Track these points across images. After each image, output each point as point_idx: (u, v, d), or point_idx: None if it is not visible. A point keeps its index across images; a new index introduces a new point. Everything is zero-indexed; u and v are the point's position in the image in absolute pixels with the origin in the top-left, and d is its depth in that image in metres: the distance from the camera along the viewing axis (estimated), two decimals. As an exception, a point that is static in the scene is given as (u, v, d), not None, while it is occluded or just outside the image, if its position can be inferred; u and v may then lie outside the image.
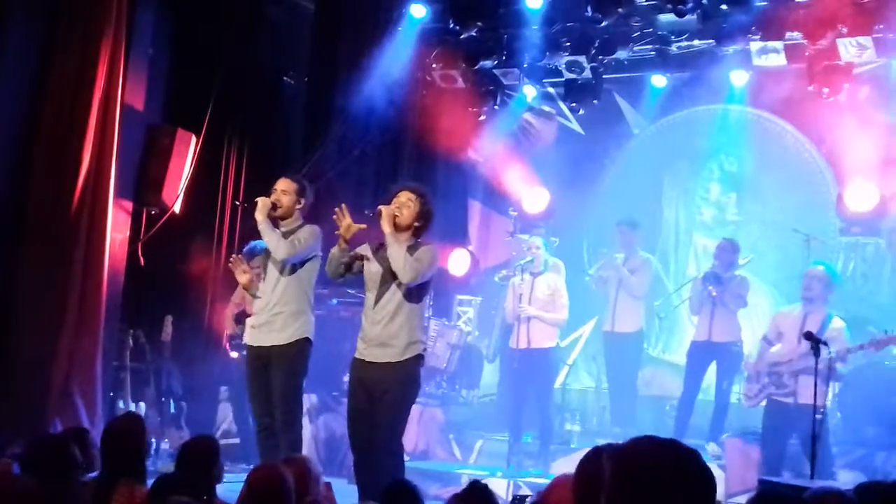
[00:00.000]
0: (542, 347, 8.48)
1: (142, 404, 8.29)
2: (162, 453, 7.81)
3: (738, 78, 9.70)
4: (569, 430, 9.26)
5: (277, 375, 6.10)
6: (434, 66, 10.50)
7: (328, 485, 4.25)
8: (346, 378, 6.46)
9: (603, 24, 9.43)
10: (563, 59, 9.90)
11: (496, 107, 10.49)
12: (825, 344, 6.27)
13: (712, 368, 8.60)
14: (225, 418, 8.96)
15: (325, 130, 10.10)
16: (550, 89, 10.64)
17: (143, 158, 8.85)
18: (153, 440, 7.43)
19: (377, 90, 9.77)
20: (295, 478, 3.85)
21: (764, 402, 7.51)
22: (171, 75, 9.15)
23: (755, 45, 9.14)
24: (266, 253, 6.27)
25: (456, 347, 9.70)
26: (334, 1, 10.46)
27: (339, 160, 10.05)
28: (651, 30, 9.58)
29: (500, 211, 11.07)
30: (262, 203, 6.09)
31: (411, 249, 5.69)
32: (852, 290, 9.32)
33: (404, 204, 5.74)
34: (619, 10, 9.27)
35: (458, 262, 10.45)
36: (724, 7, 9.01)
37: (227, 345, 8.61)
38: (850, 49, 8.66)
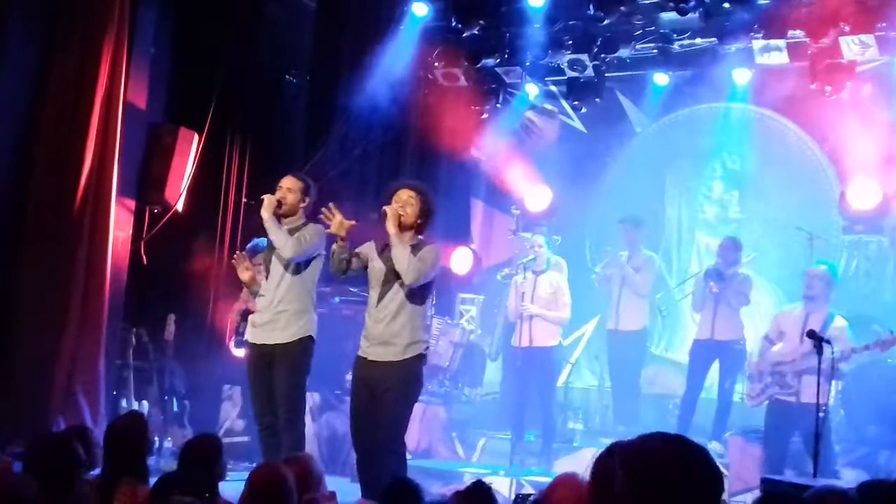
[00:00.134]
0: (545, 346, 8.48)
1: (145, 403, 8.30)
2: (165, 452, 7.80)
3: (741, 76, 9.69)
4: (572, 429, 9.27)
5: (281, 374, 6.10)
6: (436, 64, 10.50)
7: (333, 494, 4.24)
8: (349, 376, 6.46)
9: (605, 22, 9.42)
10: (565, 58, 9.89)
11: (498, 105, 10.50)
12: (828, 342, 6.26)
13: (715, 367, 8.59)
14: (228, 417, 8.96)
15: (328, 129, 10.10)
16: (553, 87, 10.64)
17: (146, 157, 8.85)
18: (156, 439, 7.43)
19: (379, 89, 9.76)
20: (296, 477, 3.84)
21: (766, 402, 7.50)
22: (173, 74, 9.16)
23: (757, 44, 9.12)
24: (268, 251, 6.27)
25: (458, 346, 9.70)
26: (336, -1, 10.47)
27: (341, 159, 10.05)
28: (653, 28, 9.57)
29: (503, 209, 11.07)
30: (268, 201, 6.09)
31: (414, 248, 5.70)
32: (855, 288, 9.33)
33: (406, 202, 5.74)
34: (622, 8, 9.26)
35: (460, 260, 10.45)
36: (726, 5, 9.01)
37: (231, 342, 8.61)
38: (853, 47, 8.65)
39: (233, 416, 8.90)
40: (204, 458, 4.31)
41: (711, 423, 8.45)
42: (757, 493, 6.11)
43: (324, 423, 8.87)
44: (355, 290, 8.78)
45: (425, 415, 8.83)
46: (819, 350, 6.15)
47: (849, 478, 6.72)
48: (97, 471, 4.50)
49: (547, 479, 7.39)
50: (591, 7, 9.37)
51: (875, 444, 7.65)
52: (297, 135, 10.41)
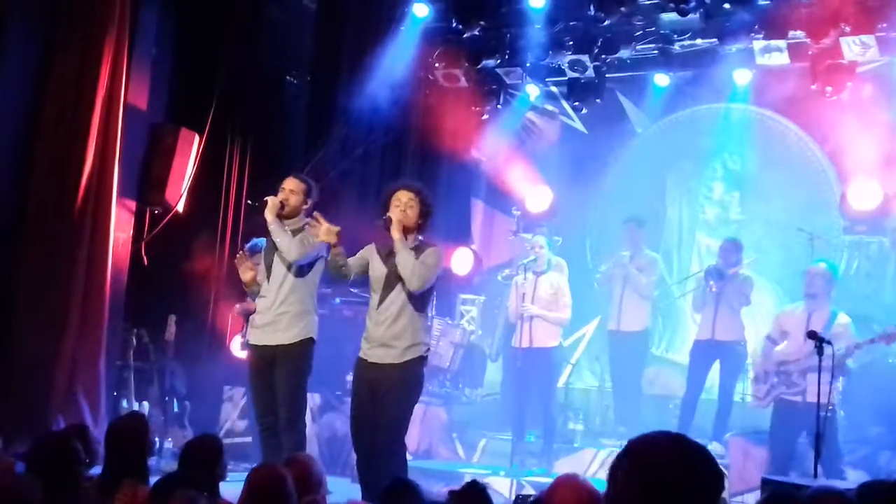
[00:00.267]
0: (545, 347, 8.47)
1: (145, 403, 8.31)
2: (165, 452, 7.81)
3: (741, 77, 9.69)
4: (572, 430, 9.27)
5: (282, 375, 6.10)
6: (437, 65, 10.50)
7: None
8: (350, 377, 6.47)
9: (606, 23, 9.43)
10: (566, 58, 9.90)
11: (499, 106, 10.50)
12: (829, 343, 6.25)
13: (716, 367, 8.59)
14: (228, 417, 8.97)
15: (328, 130, 10.11)
16: (553, 88, 10.64)
17: (147, 158, 8.87)
18: (157, 439, 7.43)
19: (380, 90, 9.77)
20: (297, 478, 3.84)
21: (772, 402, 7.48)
22: (174, 75, 9.17)
23: (758, 44, 9.12)
24: (269, 252, 6.25)
25: (459, 346, 9.70)
26: (337, 0, 10.46)
27: (341, 159, 10.06)
28: (654, 29, 9.58)
29: (504, 210, 11.07)
30: (272, 202, 6.09)
31: (415, 250, 5.70)
32: (856, 288, 9.31)
33: (406, 204, 5.73)
34: (622, 9, 9.27)
35: (461, 261, 10.45)
36: (726, 6, 9.01)
37: (239, 343, 8.61)
38: (854, 48, 8.65)
39: (233, 417, 8.91)
40: (204, 458, 4.32)
41: (712, 424, 8.44)
42: (757, 494, 6.11)
43: (324, 423, 8.87)
44: (356, 291, 8.78)
45: (426, 416, 8.83)
46: (820, 351, 6.14)
47: (850, 478, 6.72)
48: (96, 469, 4.51)
49: (547, 480, 7.40)
50: (592, 8, 9.38)
51: (876, 445, 7.64)
52: (298, 136, 10.42)
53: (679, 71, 9.94)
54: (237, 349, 8.99)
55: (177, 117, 9.10)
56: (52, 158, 7.91)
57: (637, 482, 2.12)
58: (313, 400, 8.50)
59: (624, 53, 9.85)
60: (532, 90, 10.54)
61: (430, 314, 7.03)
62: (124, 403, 8.19)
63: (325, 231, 5.72)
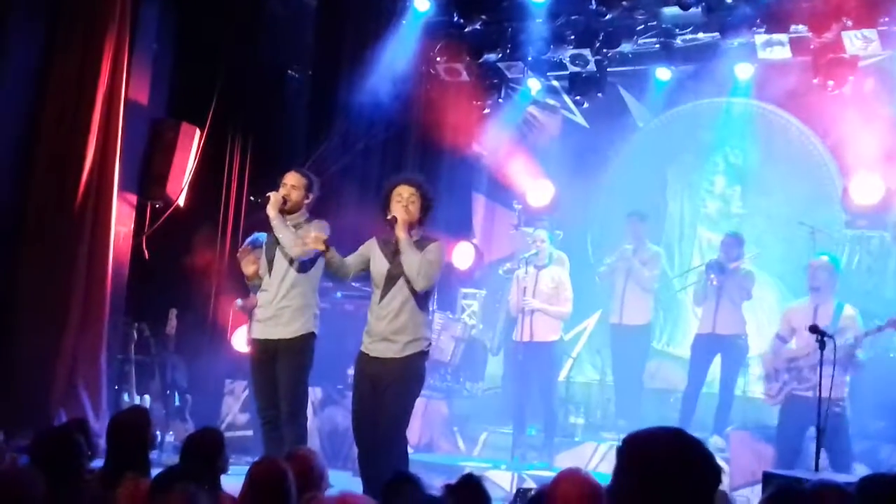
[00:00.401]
0: (546, 341, 8.47)
1: (146, 397, 8.32)
2: (167, 446, 7.82)
3: (743, 71, 9.68)
4: (573, 423, 9.28)
5: (283, 369, 6.12)
6: (438, 59, 10.49)
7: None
8: (351, 371, 6.47)
9: (607, 17, 9.43)
10: (567, 53, 9.90)
11: (500, 100, 10.50)
12: (831, 336, 6.25)
13: (717, 361, 8.59)
14: (230, 411, 8.99)
15: (329, 124, 10.11)
16: (555, 82, 10.63)
17: (147, 152, 8.89)
18: (158, 433, 7.45)
19: (381, 84, 9.77)
20: (297, 472, 3.85)
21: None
22: (174, 70, 9.18)
23: (760, 38, 9.11)
24: (270, 247, 6.26)
25: (460, 340, 9.71)
26: (338, -5, 10.48)
27: (343, 154, 10.07)
28: (655, 23, 9.57)
29: (505, 204, 11.08)
30: (274, 198, 6.09)
31: (418, 244, 5.69)
32: (857, 283, 9.31)
33: (409, 200, 5.71)
34: (624, 2, 9.27)
35: (462, 255, 10.45)
36: (728, 0, 8.99)
37: (244, 338, 8.62)
38: (856, 42, 8.65)
39: (235, 411, 8.93)
40: (206, 452, 4.32)
41: (713, 418, 8.44)
42: (759, 488, 6.10)
43: (326, 417, 8.88)
44: (357, 285, 8.78)
45: (427, 409, 8.83)
46: (822, 345, 6.13)
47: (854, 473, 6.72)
48: (97, 462, 4.52)
49: (548, 474, 7.44)
50: (593, 2, 9.38)
51: (877, 439, 7.64)
52: (299, 130, 10.43)
53: (681, 65, 9.92)
54: (238, 343, 9.01)
55: (178, 112, 9.11)
56: (53, 153, 7.93)
57: (635, 477, 2.13)
58: (315, 394, 8.51)
59: (625, 47, 9.84)
60: (533, 84, 10.54)
61: (431, 308, 7.03)
62: (125, 397, 8.21)
63: (312, 240, 5.73)
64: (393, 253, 5.71)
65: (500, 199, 11.21)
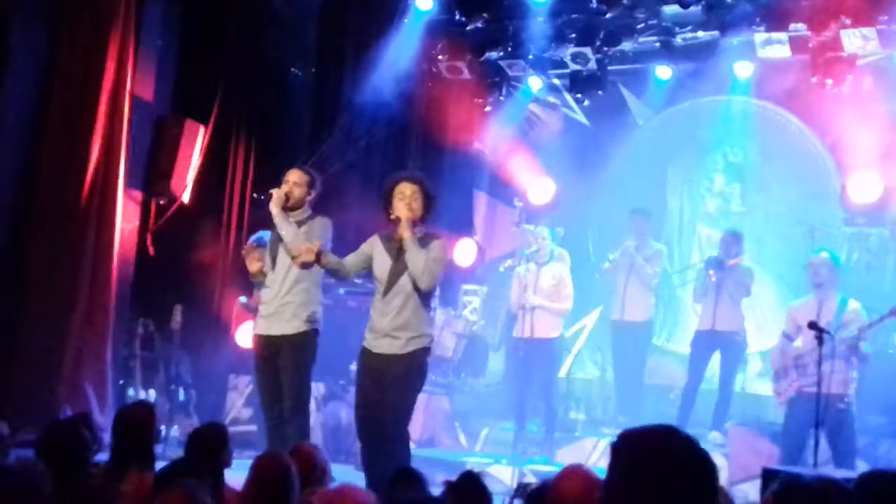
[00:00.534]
0: (546, 337, 8.49)
1: (151, 392, 8.36)
2: (171, 440, 7.87)
3: (743, 69, 9.69)
4: (573, 419, 9.32)
5: (286, 365, 6.15)
6: (440, 57, 10.51)
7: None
8: (354, 367, 6.52)
9: (608, 15, 9.46)
10: (568, 51, 9.92)
11: (502, 98, 10.52)
12: (829, 332, 6.29)
13: (716, 358, 8.63)
14: (234, 406, 9.03)
15: (332, 122, 10.15)
16: (556, 80, 10.65)
17: (152, 149, 8.92)
18: (163, 427, 7.49)
19: (384, 82, 9.80)
20: (300, 467, 3.87)
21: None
22: (179, 67, 9.21)
23: (759, 37, 9.12)
24: (274, 243, 6.30)
25: (462, 337, 9.75)
26: (341, -7, 10.51)
27: (346, 151, 10.10)
28: (656, 21, 9.58)
29: (506, 201, 11.09)
30: (277, 195, 6.12)
31: (422, 241, 5.72)
32: (856, 280, 9.33)
33: (411, 197, 5.73)
34: (624, 1, 9.31)
35: (463, 252, 10.48)
36: (728, -1, 9.05)
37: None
38: (854, 40, 8.66)
39: (239, 406, 8.97)
40: (210, 446, 4.35)
41: (712, 414, 8.48)
42: (758, 483, 6.13)
43: (329, 412, 8.92)
44: (360, 281, 8.82)
45: (429, 405, 8.86)
46: (820, 341, 6.17)
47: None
48: (101, 457, 4.57)
49: (549, 469, 7.49)
50: (594, 0, 9.40)
51: (876, 435, 7.66)
52: (302, 127, 10.46)
53: (681, 63, 9.93)
54: (242, 338, 9.05)
55: (182, 109, 9.15)
56: (58, 150, 7.96)
57: (629, 474, 2.13)
58: (318, 389, 8.54)
59: (626, 46, 9.86)
60: (534, 82, 10.55)
61: (433, 305, 7.07)
62: (130, 392, 8.25)
63: (305, 251, 5.75)
64: (396, 250, 5.75)
65: (501, 197, 11.23)
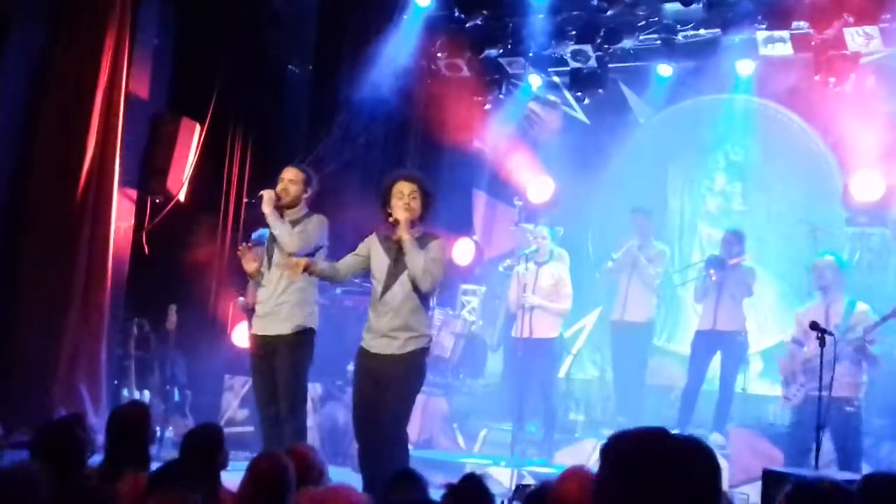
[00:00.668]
0: (545, 337, 8.46)
1: (146, 392, 8.32)
2: (166, 441, 7.81)
3: (744, 67, 9.66)
4: (573, 420, 9.28)
5: (282, 365, 6.12)
6: (439, 54, 10.47)
7: None
8: (351, 367, 6.47)
9: (609, 12, 9.41)
10: (568, 48, 9.87)
11: (501, 96, 10.47)
12: (831, 334, 6.23)
13: (717, 358, 8.58)
14: (229, 406, 8.98)
15: (330, 120, 10.09)
16: (556, 78, 10.60)
17: (148, 147, 8.88)
18: (157, 428, 7.43)
19: (382, 79, 9.75)
20: (296, 468, 3.83)
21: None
22: (175, 64, 9.17)
23: (761, 35, 9.09)
24: (269, 242, 6.27)
25: (460, 337, 9.70)
26: (339, -11, 10.45)
27: (343, 149, 10.05)
28: (657, 19, 9.55)
29: (505, 200, 11.05)
30: (268, 196, 6.09)
31: (421, 240, 5.67)
32: (858, 280, 9.27)
33: (410, 196, 5.67)
34: (625, -1, 9.25)
35: (462, 251, 10.43)
36: (729, -4, 9.00)
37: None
38: (857, 38, 8.62)
39: (234, 406, 8.92)
40: (205, 447, 4.30)
41: (712, 415, 8.43)
42: (758, 485, 6.08)
43: (325, 414, 8.87)
44: (357, 281, 8.77)
45: (427, 406, 8.83)
46: (822, 342, 6.11)
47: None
48: (94, 458, 4.51)
49: (548, 470, 7.44)
50: (595, -3, 9.36)
51: (878, 436, 7.63)
52: (300, 125, 10.40)
53: (682, 61, 9.88)
54: (238, 338, 9.00)
55: (178, 107, 9.10)
56: (53, 148, 7.92)
57: (619, 477, 2.12)
58: (314, 390, 8.50)
59: (627, 43, 9.82)
60: (534, 80, 10.50)
61: (431, 304, 7.01)
62: (125, 392, 8.20)
63: (293, 267, 5.73)
64: (395, 249, 5.69)
65: (500, 196, 11.18)
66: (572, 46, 9.81)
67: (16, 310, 7.75)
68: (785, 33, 8.99)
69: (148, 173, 8.85)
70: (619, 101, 10.74)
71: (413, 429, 7.39)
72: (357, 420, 5.78)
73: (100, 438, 4.56)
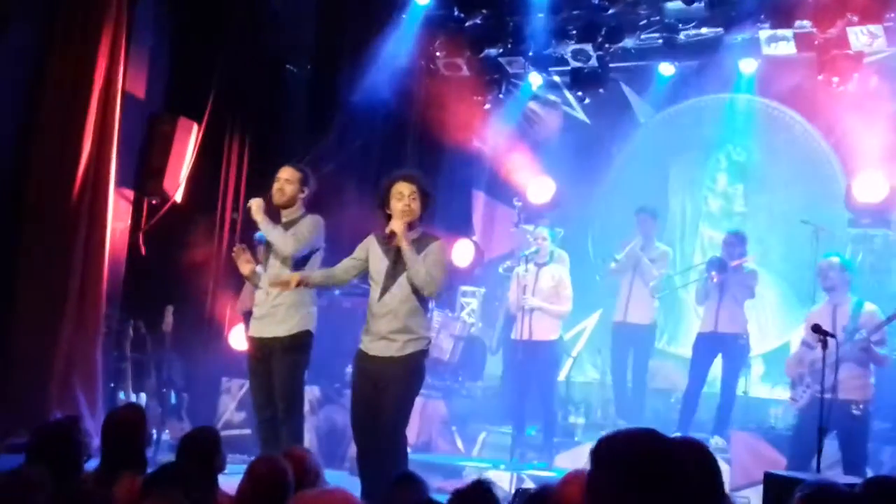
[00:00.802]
0: (545, 340, 8.41)
1: (142, 395, 8.27)
2: (163, 444, 7.76)
3: (747, 66, 9.64)
4: (573, 423, 9.23)
5: (279, 367, 6.08)
6: (438, 53, 10.44)
7: None
8: (349, 370, 6.41)
9: (610, 11, 9.38)
10: (569, 48, 9.85)
11: (501, 95, 10.44)
12: (832, 336, 6.18)
13: (718, 361, 8.52)
14: (226, 409, 8.91)
15: (328, 119, 10.04)
16: (556, 78, 10.56)
17: (145, 147, 8.84)
18: (154, 431, 7.38)
19: (381, 79, 9.70)
20: (292, 471, 3.81)
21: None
22: (172, 63, 9.13)
23: (764, 34, 9.07)
24: (266, 244, 6.23)
25: (459, 339, 9.65)
26: (337, -12, 10.39)
27: (342, 149, 10.00)
28: (658, 18, 9.53)
29: (505, 201, 10.98)
30: (256, 205, 6.10)
31: (419, 241, 5.62)
32: (860, 282, 9.22)
33: (410, 197, 5.60)
34: (627, -3, 9.21)
35: (461, 252, 10.39)
36: (732, -6, 8.96)
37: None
38: (861, 38, 8.59)
39: (231, 409, 8.86)
40: (202, 450, 4.27)
41: (714, 418, 8.38)
42: (760, 489, 6.02)
43: (323, 416, 8.81)
44: (356, 282, 8.70)
45: (425, 409, 8.78)
46: (824, 344, 6.06)
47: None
48: (90, 461, 4.46)
49: (548, 474, 7.39)
50: (596, -4, 9.31)
51: (879, 440, 7.59)
52: (298, 125, 10.34)
53: (684, 60, 9.87)
54: (236, 340, 8.95)
55: (175, 107, 9.05)
56: (49, 148, 7.89)
57: (608, 479, 2.13)
58: (312, 392, 8.45)
59: (628, 43, 9.80)
60: (534, 79, 10.46)
61: (430, 306, 6.95)
62: (121, 395, 8.15)
63: (283, 286, 5.76)
64: (395, 251, 5.63)
65: (500, 196, 11.13)
66: (573, 46, 9.78)
67: (11, 311, 7.71)
68: (788, 32, 8.97)
69: (144, 174, 8.80)
70: (620, 101, 10.70)
71: (411, 432, 7.34)
72: (355, 423, 5.74)
73: (95, 442, 4.50)
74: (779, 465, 7.14)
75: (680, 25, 9.45)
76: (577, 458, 8.10)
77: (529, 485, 7.04)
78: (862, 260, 9.46)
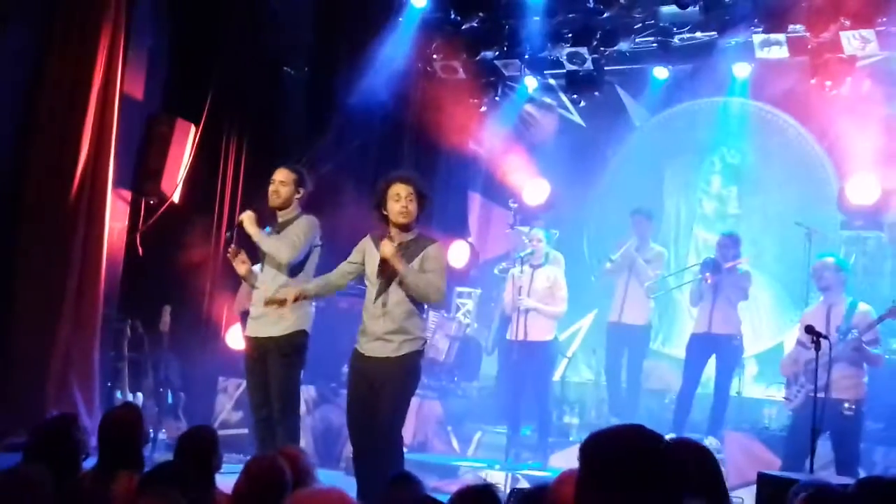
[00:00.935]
0: (540, 340, 8.43)
1: (139, 395, 8.28)
2: (160, 444, 7.78)
3: (741, 70, 9.68)
4: (567, 423, 9.24)
5: (274, 367, 6.09)
6: (435, 56, 10.46)
7: None
8: (345, 370, 6.43)
9: (605, 15, 9.42)
10: (564, 51, 9.88)
11: (497, 98, 10.48)
12: (825, 337, 6.21)
13: (712, 362, 8.55)
14: (223, 408, 8.94)
15: (326, 121, 10.06)
16: (552, 81, 10.60)
17: (143, 148, 8.83)
18: (151, 430, 7.40)
19: (378, 81, 9.73)
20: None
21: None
22: (170, 65, 9.13)
23: (758, 38, 9.10)
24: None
25: (455, 339, 9.67)
26: (335, -10, 10.42)
27: (339, 151, 10.02)
28: (653, 21, 9.57)
29: (500, 203, 11.03)
30: (247, 219, 6.13)
31: (416, 243, 5.64)
32: (853, 284, 9.26)
33: (407, 199, 5.61)
34: (621, 1, 9.27)
35: (457, 254, 10.42)
36: (726, -1, 9.00)
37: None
38: (853, 42, 8.64)
39: (228, 408, 8.89)
40: (199, 450, 4.28)
41: (708, 419, 8.41)
42: (753, 489, 6.06)
43: (319, 416, 8.84)
44: (352, 283, 8.73)
45: (421, 409, 8.80)
46: (817, 345, 6.09)
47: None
48: (88, 459, 4.48)
49: (543, 474, 7.42)
50: (591, 0, 9.33)
51: (872, 441, 7.61)
52: (295, 126, 10.36)
53: (678, 64, 9.91)
54: (232, 340, 8.96)
55: (173, 108, 9.05)
56: (47, 148, 7.88)
57: (596, 475, 2.15)
58: (308, 392, 8.47)
59: (623, 46, 9.83)
60: (530, 82, 10.51)
61: (426, 307, 6.99)
62: (118, 394, 8.16)
63: (292, 299, 5.79)
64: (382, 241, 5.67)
65: (495, 198, 11.17)
66: (568, 49, 9.81)
67: (9, 311, 7.70)
68: (781, 36, 9.00)
69: (142, 174, 8.81)
70: (615, 104, 10.73)
71: (407, 432, 7.35)
72: (351, 423, 5.74)
73: (93, 441, 4.52)
74: (772, 465, 7.16)
75: (674, 29, 9.49)
76: (571, 458, 8.04)
77: (524, 484, 7.05)
78: (855, 262, 9.50)
